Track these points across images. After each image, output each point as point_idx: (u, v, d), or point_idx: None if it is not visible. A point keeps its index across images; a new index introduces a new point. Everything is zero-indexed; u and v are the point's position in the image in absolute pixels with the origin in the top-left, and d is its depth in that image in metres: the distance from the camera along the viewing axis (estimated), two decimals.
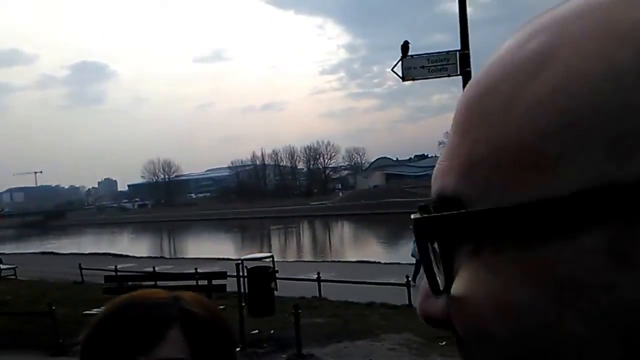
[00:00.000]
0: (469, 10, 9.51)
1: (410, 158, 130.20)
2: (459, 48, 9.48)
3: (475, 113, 0.33)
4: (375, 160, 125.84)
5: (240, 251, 36.25)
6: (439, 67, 9.67)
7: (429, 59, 9.74)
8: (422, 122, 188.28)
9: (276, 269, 10.03)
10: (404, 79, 9.73)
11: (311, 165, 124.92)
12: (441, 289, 0.35)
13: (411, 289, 11.22)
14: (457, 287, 0.33)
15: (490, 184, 0.31)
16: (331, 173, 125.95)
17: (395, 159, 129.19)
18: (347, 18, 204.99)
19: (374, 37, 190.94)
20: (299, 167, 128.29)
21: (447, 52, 9.69)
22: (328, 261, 22.85)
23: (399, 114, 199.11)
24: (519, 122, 0.30)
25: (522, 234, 0.29)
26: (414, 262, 13.62)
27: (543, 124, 0.29)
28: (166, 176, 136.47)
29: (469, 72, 9.43)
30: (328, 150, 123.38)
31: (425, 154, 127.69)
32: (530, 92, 0.30)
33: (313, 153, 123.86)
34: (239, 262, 10.73)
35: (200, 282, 10.70)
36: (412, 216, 0.34)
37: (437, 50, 9.90)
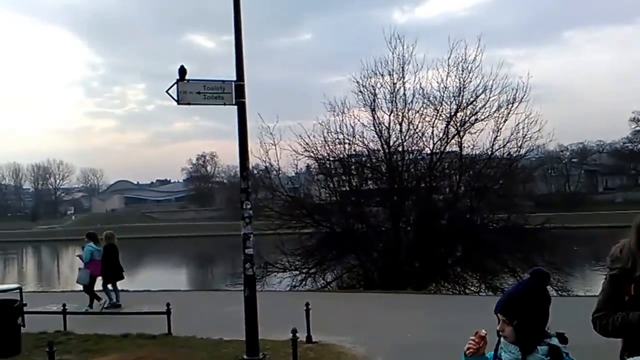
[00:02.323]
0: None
1: (152, 182, 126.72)
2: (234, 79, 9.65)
3: None
4: (114, 183, 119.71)
5: None
6: (215, 95, 9.69)
7: (205, 86, 9.71)
8: (164, 148, 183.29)
9: (24, 302, 8.78)
10: (179, 102, 9.49)
11: (39, 185, 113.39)
12: None
13: (171, 316, 10.66)
14: None
15: None
16: (63, 194, 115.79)
17: (136, 182, 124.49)
18: (86, 32, 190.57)
19: (114, 56, 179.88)
20: (24, 187, 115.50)
21: (223, 81, 9.78)
22: (69, 291, 20.67)
23: (140, 138, 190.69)
24: None
25: None
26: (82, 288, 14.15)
27: None
28: None
29: (244, 103, 9.66)
30: (60, 169, 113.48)
31: (168, 179, 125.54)
32: None
33: (42, 172, 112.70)
34: None
35: None
36: None
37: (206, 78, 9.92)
